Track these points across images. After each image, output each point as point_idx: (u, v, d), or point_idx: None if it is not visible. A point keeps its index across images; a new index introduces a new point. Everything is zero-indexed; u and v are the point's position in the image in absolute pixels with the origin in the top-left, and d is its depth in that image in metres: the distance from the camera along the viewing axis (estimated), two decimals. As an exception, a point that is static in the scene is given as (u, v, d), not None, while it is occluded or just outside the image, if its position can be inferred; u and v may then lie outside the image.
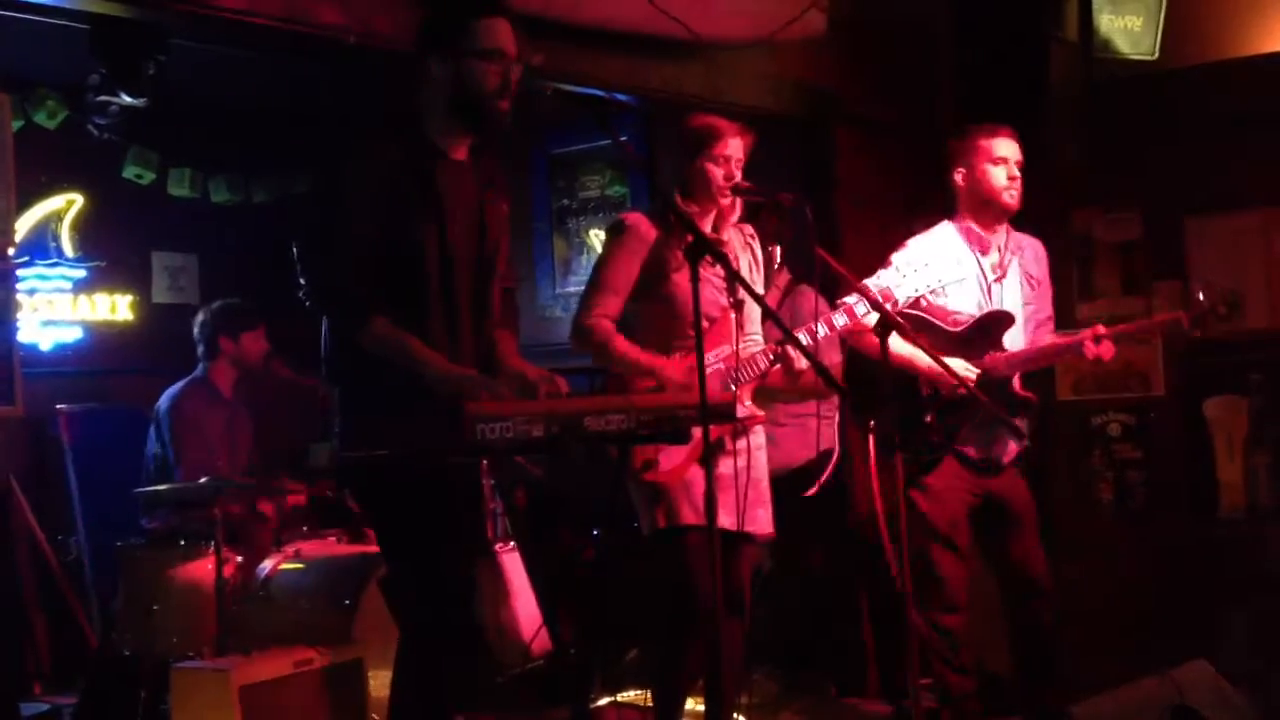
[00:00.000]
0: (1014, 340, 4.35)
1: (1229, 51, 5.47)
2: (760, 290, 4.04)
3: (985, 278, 4.37)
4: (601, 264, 3.95)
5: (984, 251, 4.39)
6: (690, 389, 3.18)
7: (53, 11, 4.09)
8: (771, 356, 3.84)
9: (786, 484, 4.91)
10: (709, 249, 3.19)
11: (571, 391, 3.23)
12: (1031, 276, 4.46)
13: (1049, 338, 4.47)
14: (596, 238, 6.84)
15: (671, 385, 3.71)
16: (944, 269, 4.12)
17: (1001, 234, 4.42)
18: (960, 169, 4.38)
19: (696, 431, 3.22)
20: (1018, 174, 4.32)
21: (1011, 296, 4.40)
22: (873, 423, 4.14)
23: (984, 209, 4.37)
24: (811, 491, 4.91)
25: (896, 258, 4.26)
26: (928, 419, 4.28)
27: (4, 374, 3.80)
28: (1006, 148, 4.32)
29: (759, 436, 3.93)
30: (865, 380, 4.23)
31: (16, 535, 5.87)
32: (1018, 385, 4.37)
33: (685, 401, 3.15)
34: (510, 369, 3.30)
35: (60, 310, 6.47)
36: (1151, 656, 4.22)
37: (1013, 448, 4.35)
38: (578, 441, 3.01)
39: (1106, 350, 4.24)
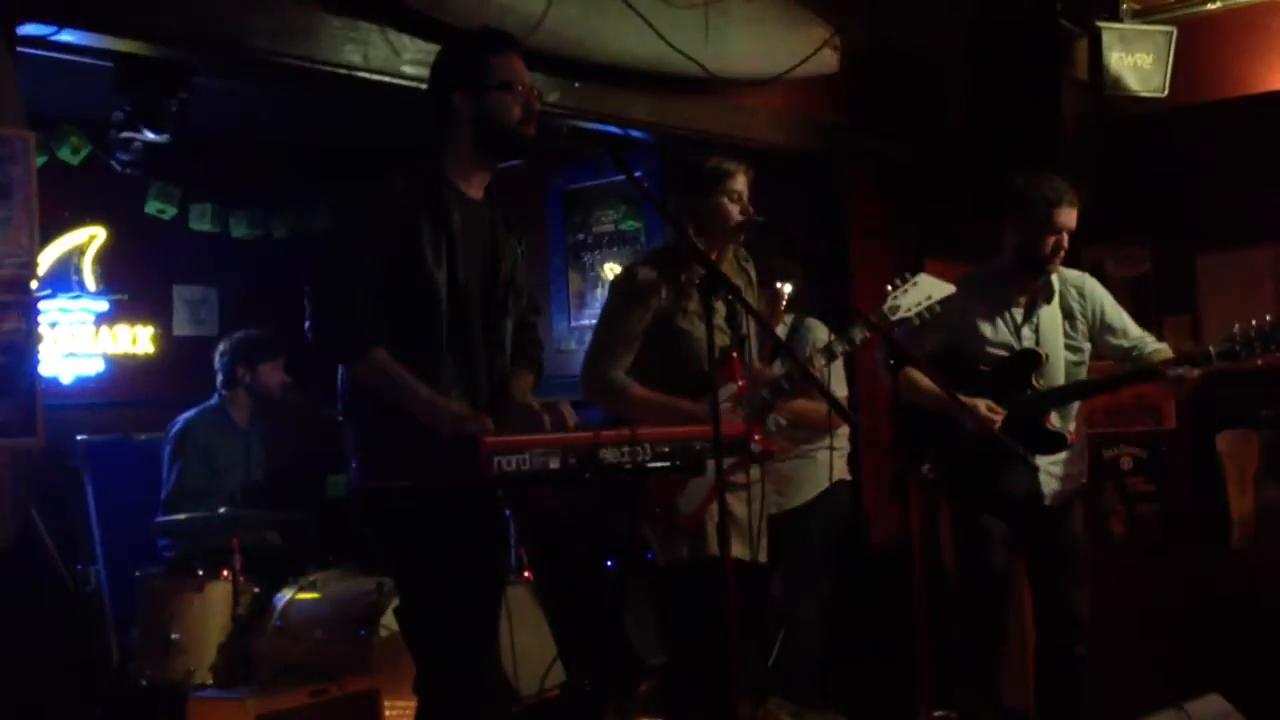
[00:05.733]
0: (1054, 378, 4.35)
1: (1238, 89, 5.52)
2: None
3: (1016, 318, 4.40)
4: (609, 317, 3.90)
5: (1020, 292, 4.41)
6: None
7: (80, 50, 4.15)
8: (786, 385, 3.82)
9: (800, 517, 4.96)
10: (724, 285, 3.20)
11: (584, 423, 3.19)
12: (1075, 316, 4.45)
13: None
14: (611, 271, 6.88)
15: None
16: (934, 287, 3.89)
17: (1043, 278, 4.41)
18: (1015, 219, 4.38)
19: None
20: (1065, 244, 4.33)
21: (1049, 337, 4.40)
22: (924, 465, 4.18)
23: (1025, 262, 4.39)
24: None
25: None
26: (967, 458, 4.29)
27: (26, 406, 3.79)
28: (1069, 218, 4.31)
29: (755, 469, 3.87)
30: (914, 421, 4.25)
31: (36, 565, 5.89)
32: (1050, 422, 4.34)
33: (699, 434, 3.14)
34: (518, 404, 3.27)
35: (82, 342, 6.52)
36: (1165, 689, 4.23)
37: (1059, 487, 4.38)
38: (594, 473, 2.98)
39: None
